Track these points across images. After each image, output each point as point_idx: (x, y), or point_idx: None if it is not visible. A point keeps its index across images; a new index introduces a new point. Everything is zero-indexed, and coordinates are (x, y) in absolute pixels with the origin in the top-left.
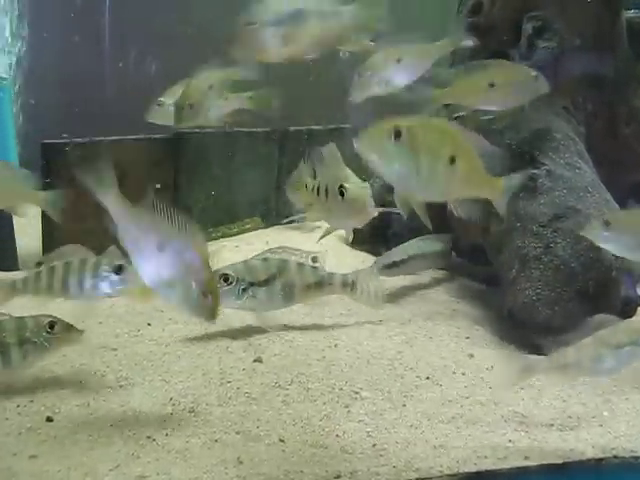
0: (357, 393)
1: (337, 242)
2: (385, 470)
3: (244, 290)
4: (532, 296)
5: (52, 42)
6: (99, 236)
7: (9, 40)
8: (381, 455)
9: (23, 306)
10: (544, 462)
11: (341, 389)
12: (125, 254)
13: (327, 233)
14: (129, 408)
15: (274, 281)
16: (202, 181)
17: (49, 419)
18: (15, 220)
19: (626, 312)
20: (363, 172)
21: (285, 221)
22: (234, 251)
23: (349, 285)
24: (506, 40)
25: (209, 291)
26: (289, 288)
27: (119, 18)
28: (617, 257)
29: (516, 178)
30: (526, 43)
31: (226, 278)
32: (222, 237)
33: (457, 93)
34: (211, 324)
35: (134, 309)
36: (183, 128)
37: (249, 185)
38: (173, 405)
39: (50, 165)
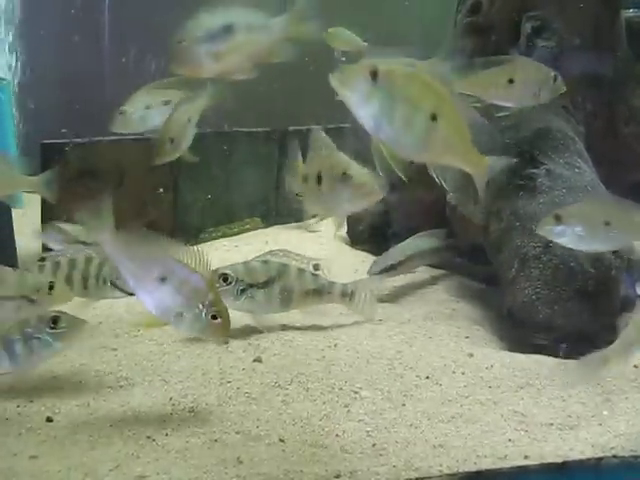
0: (357, 393)
1: (337, 242)
2: (385, 470)
3: (242, 291)
4: (532, 295)
5: (52, 42)
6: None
7: (9, 40)
8: (381, 454)
9: None
10: (544, 461)
11: (341, 389)
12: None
13: (339, 225)
14: (129, 408)
15: (273, 284)
16: (202, 181)
17: (49, 419)
18: (15, 219)
19: (626, 311)
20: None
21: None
22: (233, 251)
23: (348, 295)
24: (505, 40)
25: (217, 313)
26: (287, 293)
27: (119, 17)
28: (617, 256)
29: (502, 160)
30: (525, 43)
31: (225, 278)
32: (222, 237)
33: (476, 85)
34: (223, 344)
35: (134, 309)
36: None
37: (249, 185)
38: (173, 405)
39: (50, 165)
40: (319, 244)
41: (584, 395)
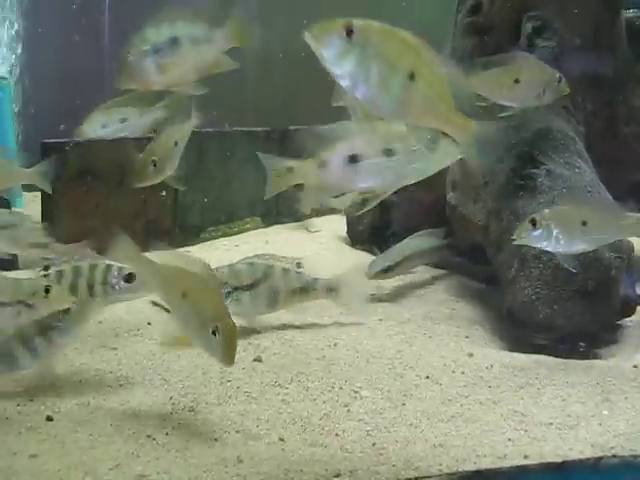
0: (357, 392)
1: (337, 242)
2: (384, 469)
3: (228, 294)
4: (531, 295)
5: (52, 41)
6: (99, 235)
7: (9, 40)
8: (381, 454)
9: None
10: (543, 461)
11: (341, 388)
12: None
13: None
14: (129, 407)
15: (259, 286)
16: (202, 180)
17: (49, 418)
18: None
19: (625, 311)
20: None
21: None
22: (234, 250)
23: (334, 290)
24: (505, 40)
25: (226, 339)
26: (273, 293)
27: (119, 16)
28: (616, 256)
29: (492, 125)
30: (525, 42)
31: None
32: (222, 236)
33: (482, 83)
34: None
35: (134, 308)
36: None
37: (249, 185)
38: (173, 404)
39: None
40: (319, 243)
41: (584, 395)
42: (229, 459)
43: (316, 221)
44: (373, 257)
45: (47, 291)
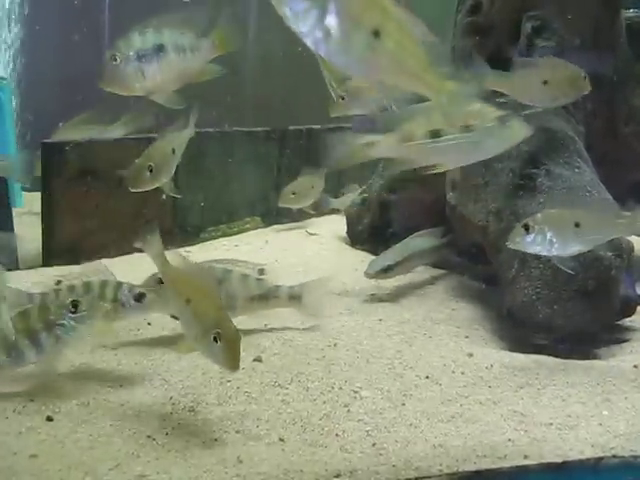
0: (356, 392)
1: (337, 242)
2: (384, 469)
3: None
4: (531, 295)
5: (52, 41)
6: (99, 236)
7: (9, 39)
8: (380, 454)
9: None
10: (543, 461)
11: (340, 388)
12: None
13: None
14: (129, 407)
15: None
16: (202, 180)
17: (49, 418)
18: (15, 219)
19: (626, 311)
20: (363, 170)
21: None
22: (233, 250)
23: (296, 298)
24: (505, 40)
25: (228, 345)
26: (230, 299)
27: (119, 16)
28: (617, 256)
29: (472, 87)
30: (525, 42)
31: (162, 282)
32: (222, 236)
33: (512, 85)
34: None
35: None
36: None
37: (249, 184)
38: (173, 404)
39: (50, 164)
40: (319, 243)
41: (584, 395)
42: (229, 459)
43: (316, 221)
44: (373, 257)
45: (75, 306)
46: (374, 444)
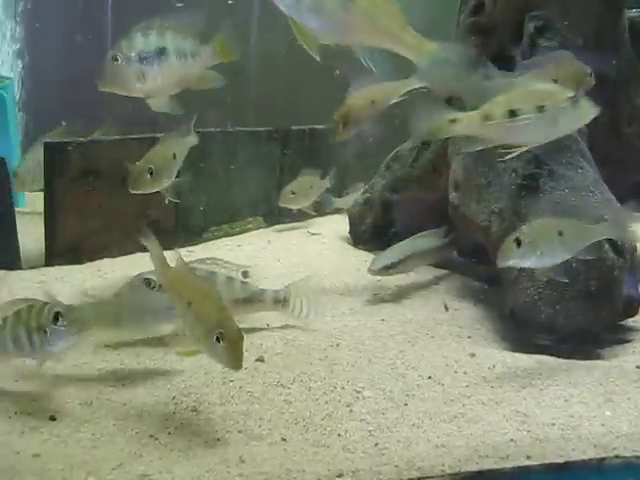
0: (359, 392)
1: (340, 242)
2: (387, 469)
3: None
4: (534, 295)
5: (55, 41)
6: (102, 235)
7: (12, 39)
8: (383, 454)
9: None
10: (546, 461)
11: (343, 388)
12: None
13: None
14: (132, 407)
15: None
16: (204, 180)
17: (52, 418)
18: (18, 218)
19: (628, 311)
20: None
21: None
22: (236, 250)
23: (281, 302)
24: (508, 40)
25: (230, 345)
26: None
27: (122, 16)
28: (619, 256)
29: (455, 48)
30: (528, 42)
31: (148, 283)
32: (224, 236)
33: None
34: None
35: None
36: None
37: (251, 184)
38: (176, 404)
39: (53, 164)
40: (321, 243)
41: (586, 395)
42: (231, 459)
43: (319, 221)
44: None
45: (56, 318)
46: (376, 444)
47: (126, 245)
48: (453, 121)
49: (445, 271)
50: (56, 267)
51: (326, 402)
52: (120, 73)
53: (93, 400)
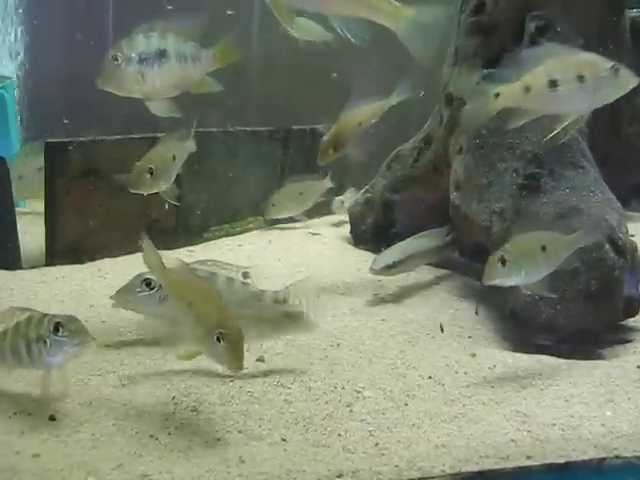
0: (359, 392)
1: (340, 242)
2: (387, 469)
3: (166, 297)
4: (534, 295)
5: (56, 40)
6: (102, 235)
7: (13, 39)
8: (383, 454)
9: None
10: (546, 462)
11: (343, 388)
12: None
13: None
14: (132, 407)
15: None
16: (205, 180)
17: (52, 418)
18: (18, 217)
19: (629, 311)
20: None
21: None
22: (237, 250)
23: (280, 302)
24: (509, 39)
25: (231, 345)
26: None
27: (123, 16)
28: (620, 256)
29: (437, 11)
30: (529, 42)
31: (148, 283)
32: (225, 236)
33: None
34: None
35: None
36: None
37: (252, 184)
38: (176, 404)
39: (53, 164)
40: (322, 243)
41: (587, 395)
42: (231, 459)
43: (319, 221)
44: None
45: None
46: (377, 444)
47: (127, 245)
48: (497, 95)
49: (446, 271)
50: (57, 267)
51: (326, 402)
52: (119, 73)
53: (93, 400)
